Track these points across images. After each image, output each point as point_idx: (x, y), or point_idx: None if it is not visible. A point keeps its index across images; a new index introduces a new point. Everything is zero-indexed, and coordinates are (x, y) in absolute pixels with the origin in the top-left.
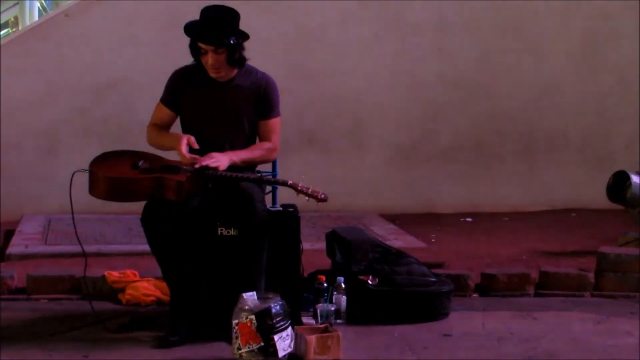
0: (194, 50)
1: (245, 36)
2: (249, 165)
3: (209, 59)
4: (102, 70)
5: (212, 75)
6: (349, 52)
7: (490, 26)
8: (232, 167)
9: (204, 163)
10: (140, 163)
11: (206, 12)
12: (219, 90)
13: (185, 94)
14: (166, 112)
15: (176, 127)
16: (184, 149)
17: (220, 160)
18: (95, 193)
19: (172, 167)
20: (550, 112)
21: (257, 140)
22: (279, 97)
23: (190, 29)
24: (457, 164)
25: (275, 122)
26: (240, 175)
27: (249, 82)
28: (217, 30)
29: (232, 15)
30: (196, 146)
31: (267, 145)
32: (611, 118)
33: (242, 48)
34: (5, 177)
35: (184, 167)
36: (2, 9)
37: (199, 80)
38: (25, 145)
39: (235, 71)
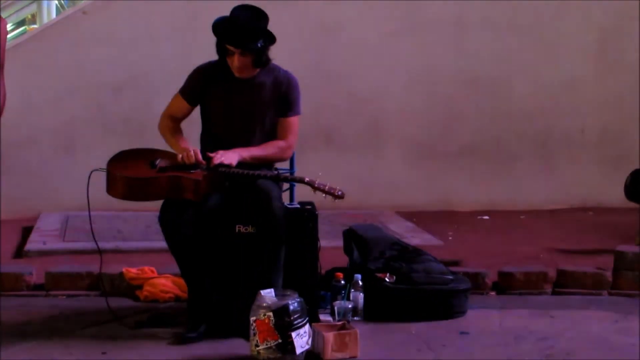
0: (220, 49)
1: (272, 39)
2: (262, 163)
3: (235, 61)
4: (120, 68)
5: (236, 74)
6: (366, 50)
7: (509, 24)
8: (246, 165)
9: (215, 162)
10: (158, 161)
11: (236, 12)
12: (241, 87)
13: (208, 90)
14: (184, 104)
15: (191, 122)
16: (192, 155)
17: (228, 157)
18: (113, 193)
19: (189, 165)
20: (568, 110)
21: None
22: (300, 96)
23: (218, 28)
24: (475, 162)
25: (292, 121)
26: (257, 172)
27: (271, 79)
28: (246, 34)
29: (262, 18)
30: (199, 159)
31: (280, 143)
32: (629, 116)
33: (268, 50)
34: (24, 174)
35: (202, 165)
36: (20, 7)
37: (222, 77)
38: (44, 142)
39: (258, 69)
